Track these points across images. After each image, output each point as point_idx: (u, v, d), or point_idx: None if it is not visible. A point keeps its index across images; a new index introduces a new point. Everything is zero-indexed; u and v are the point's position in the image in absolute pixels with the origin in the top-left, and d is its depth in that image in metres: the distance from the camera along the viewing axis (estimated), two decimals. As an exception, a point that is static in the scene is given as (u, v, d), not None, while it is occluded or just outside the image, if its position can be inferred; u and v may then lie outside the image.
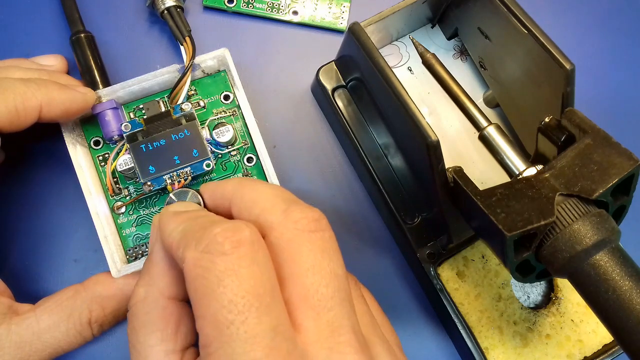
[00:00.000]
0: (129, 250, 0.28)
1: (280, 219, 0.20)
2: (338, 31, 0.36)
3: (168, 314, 0.21)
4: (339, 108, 0.32)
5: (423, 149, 0.24)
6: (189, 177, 0.28)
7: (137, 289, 0.22)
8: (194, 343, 0.21)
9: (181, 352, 0.21)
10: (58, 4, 0.34)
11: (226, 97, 0.30)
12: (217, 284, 0.18)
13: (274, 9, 0.35)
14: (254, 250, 0.19)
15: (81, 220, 0.31)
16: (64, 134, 0.28)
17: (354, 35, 0.26)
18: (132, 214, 0.29)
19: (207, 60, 0.30)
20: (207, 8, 0.35)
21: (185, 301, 0.22)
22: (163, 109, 0.29)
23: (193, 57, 0.29)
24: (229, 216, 0.23)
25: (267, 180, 0.29)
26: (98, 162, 0.29)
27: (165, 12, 0.32)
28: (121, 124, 0.28)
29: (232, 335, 0.17)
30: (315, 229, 0.20)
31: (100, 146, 0.30)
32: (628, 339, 0.20)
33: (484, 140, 0.28)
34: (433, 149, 0.24)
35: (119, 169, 0.28)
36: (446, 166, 0.24)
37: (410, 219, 0.31)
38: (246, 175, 0.30)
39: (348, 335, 0.19)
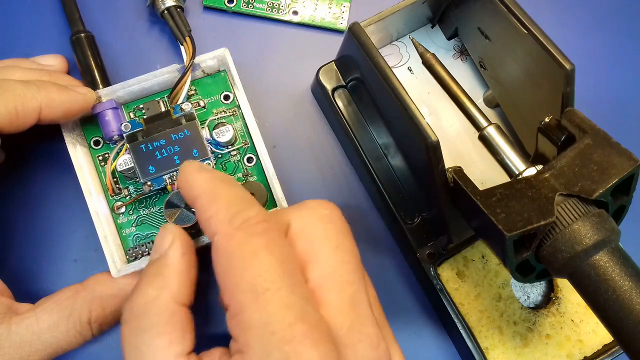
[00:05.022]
0: (129, 250, 0.28)
1: (298, 208, 0.22)
2: (338, 31, 0.36)
3: (177, 318, 0.21)
4: (339, 108, 0.32)
5: (423, 149, 0.24)
6: (189, 177, 0.28)
7: (146, 289, 0.22)
8: (193, 349, 0.21)
9: (187, 355, 0.21)
10: (58, 4, 0.34)
11: (226, 97, 0.30)
12: (253, 256, 0.19)
13: (274, 9, 0.35)
14: (281, 237, 0.21)
15: (81, 220, 0.31)
16: (64, 133, 0.28)
17: (354, 35, 0.26)
18: (132, 214, 0.29)
19: (207, 60, 0.30)
20: (207, 8, 0.35)
21: (190, 308, 0.22)
22: (163, 109, 0.29)
23: (193, 57, 0.29)
24: None
25: (267, 181, 0.29)
26: (98, 162, 0.29)
27: (166, 12, 0.32)
28: (121, 124, 0.28)
29: (268, 301, 0.18)
30: (332, 210, 0.22)
31: (100, 146, 0.30)
32: (628, 339, 0.20)
33: (484, 140, 0.28)
34: (433, 149, 0.24)
35: (119, 169, 0.28)
36: (446, 166, 0.24)
37: (410, 219, 0.31)
38: (246, 176, 0.30)
39: (366, 310, 0.20)
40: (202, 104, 0.30)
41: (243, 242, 0.19)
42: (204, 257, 0.32)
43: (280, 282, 0.19)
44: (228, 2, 0.35)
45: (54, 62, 0.31)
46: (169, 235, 0.23)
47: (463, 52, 0.34)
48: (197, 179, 0.22)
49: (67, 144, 0.28)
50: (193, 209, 0.26)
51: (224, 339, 0.21)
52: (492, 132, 0.27)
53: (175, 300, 0.21)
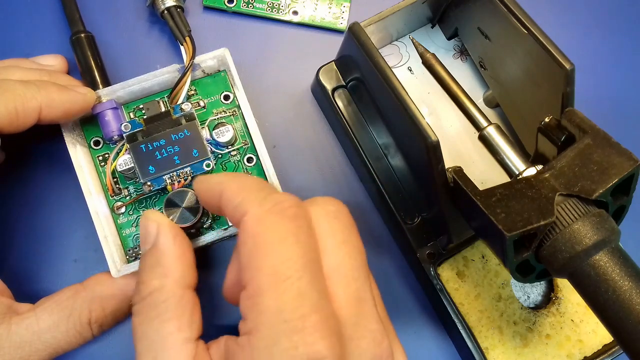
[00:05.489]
0: (129, 250, 0.28)
1: (308, 203, 0.22)
2: (338, 31, 0.36)
3: (184, 303, 0.21)
4: (339, 108, 0.32)
5: (423, 149, 0.24)
6: (189, 177, 0.28)
7: (150, 281, 0.22)
8: (201, 335, 0.22)
9: (196, 341, 0.21)
10: (58, 4, 0.34)
11: (226, 97, 0.30)
12: (280, 242, 0.19)
13: (274, 9, 0.35)
14: (308, 225, 0.21)
15: (81, 220, 0.31)
16: (64, 134, 0.28)
17: (354, 35, 0.26)
18: (132, 214, 0.29)
19: (207, 60, 0.30)
20: (207, 8, 0.35)
21: (195, 290, 0.22)
22: (163, 109, 0.29)
23: (193, 57, 0.29)
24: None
25: (267, 180, 0.29)
26: (98, 162, 0.29)
27: (166, 12, 0.32)
28: (121, 124, 0.28)
29: (287, 289, 0.19)
30: (339, 206, 0.23)
31: (100, 146, 0.30)
32: (628, 339, 0.20)
33: (484, 140, 0.28)
34: (433, 149, 0.24)
35: (119, 169, 0.28)
36: (446, 166, 0.24)
37: (410, 219, 0.31)
38: (246, 175, 0.30)
39: (371, 306, 0.21)
40: (202, 104, 0.30)
41: (273, 224, 0.20)
42: (204, 256, 0.32)
43: (301, 272, 0.19)
44: (228, 2, 0.35)
45: (54, 62, 0.31)
46: (152, 223, 0.23)
47: (463, 52, 0.34)
48: (217, 179, 0.22)
49: (67, 144, 0.28)
50: (201, 210, 0.27)
51: (227, 333, 0.21)
52: (492, 132, 0.27)
53: (180, 285, 0.22)
